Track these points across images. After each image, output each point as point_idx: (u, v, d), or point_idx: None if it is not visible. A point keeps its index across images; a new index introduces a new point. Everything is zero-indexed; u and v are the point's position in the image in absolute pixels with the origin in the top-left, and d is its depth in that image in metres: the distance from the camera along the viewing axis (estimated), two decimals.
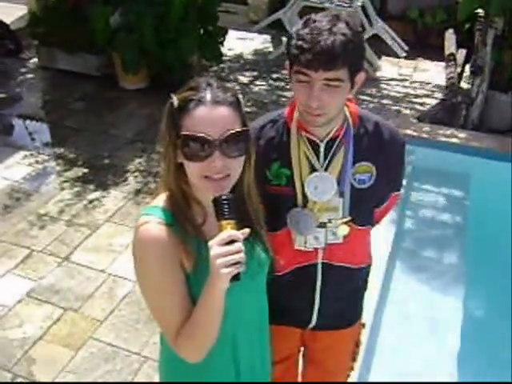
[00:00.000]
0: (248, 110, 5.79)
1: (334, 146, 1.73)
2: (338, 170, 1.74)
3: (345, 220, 1.78)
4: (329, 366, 2.28)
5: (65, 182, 4.58)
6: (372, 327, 3.23)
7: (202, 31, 6.08)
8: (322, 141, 1.72)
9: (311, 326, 2.01)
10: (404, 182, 4.41)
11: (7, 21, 6.94)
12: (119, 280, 3.51)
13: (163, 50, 5.71)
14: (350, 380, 2.54)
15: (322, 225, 1.78)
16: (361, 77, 1.63)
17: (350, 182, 1.76)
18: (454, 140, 5.13)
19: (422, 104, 6.18)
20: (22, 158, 4.89)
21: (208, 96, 1.37)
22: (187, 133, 1.36)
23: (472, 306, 3.73)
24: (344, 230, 1.79)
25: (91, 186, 4.50)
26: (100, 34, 5.68)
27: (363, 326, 2.28)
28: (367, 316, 3.15)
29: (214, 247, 1.28)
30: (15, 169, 4.75)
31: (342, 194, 1.76)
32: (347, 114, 1.75)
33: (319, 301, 1.92)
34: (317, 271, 1.86)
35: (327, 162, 1.73)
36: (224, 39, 6.31)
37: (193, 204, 1.46)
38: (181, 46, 5.73)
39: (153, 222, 1.38)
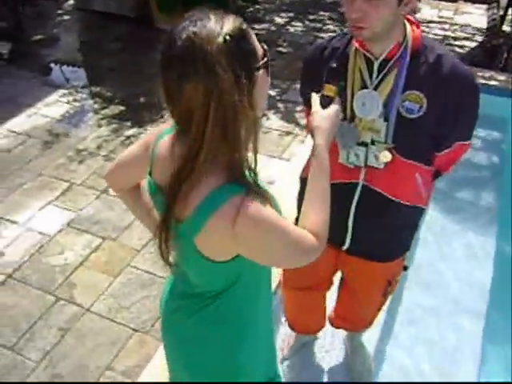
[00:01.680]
0: (284, 50, 5.74)
1: (388, 67, 1.70)
2: (387, 92, 1.71)
3: (387, 146, 1.76)
4: (358, 294, 2.32)
5: (102, 119, 4.66)
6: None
7: None
8: (376, 59, 1.70)
9: (345, 247, 2.03)
10: None
11: None
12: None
13: None
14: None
15: (365, 144, 1.78)
16: None
17: (397, 108, 1.72)
18: (493, 82, 5.02)
19: (461, 47, 6.03)
20: (60, 97, 4.97)
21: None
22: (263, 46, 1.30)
23: (505, 246, 3.71)
24: (386, 156, 1.76)
25: (128, 123, 4.56)
26: None
27: (405, 268, 2.25)
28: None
29: (320, 110, 1.55)
30: (54, 107, 4.83)
31: (386, 119, 1.73)
32: (408, 36, 1.69)
33: (352, 222, 1.93)
34: (355, 191, 1.87)
35: (378, 81, 1.71)
36: None
37: None
38: None
39: (243, 196, 1.24)
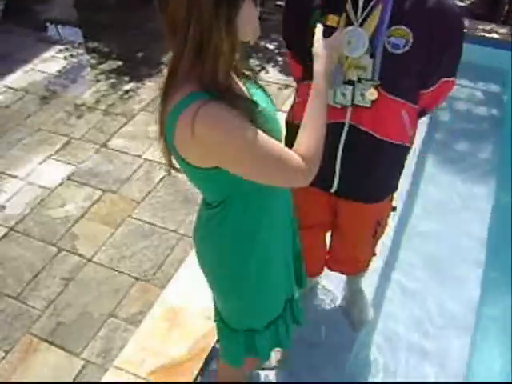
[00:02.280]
0: (282, 4, 5.65)
1: (372, 3, 1.68)
2: (373, 29, 1.69)
3: (374, 83, 1.75)
4: (349, 235, 2.34)
5: (100, 74, 4.63)
6: (402, 212, 3.30)
7: None
8: None
9: (333, 189, 2.03)
10: None
11: None
12: (155, 164, 3.61)
13: None
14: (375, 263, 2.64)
15: (351, 82, 1.77)
16: None
17: (383, 43, 1.70)
18: (494, 35, 4.97)
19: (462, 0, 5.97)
20: (56, 52, 4.94)
21: None
22: None
23: (502, 197, 3.72)
24: (372, 94, 1.75)
25: (126, 78, 4.54)
26: None
27: (393, 209, 2.29)
28: (398, 203, 3.24)
29: (322, 38, 1.55)
30: (51, 62, 4.80)
31: (373, 55, 1.72)
32: None
33: (340, 163, 1.93)
34: (342, 132, 1.86)
35: (363, 17, 1.70)
36: None
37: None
38: None
39: (206, 101, 1.31)
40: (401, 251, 3.19)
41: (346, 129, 1.86)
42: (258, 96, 1.51)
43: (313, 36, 1.61)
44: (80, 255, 3.07)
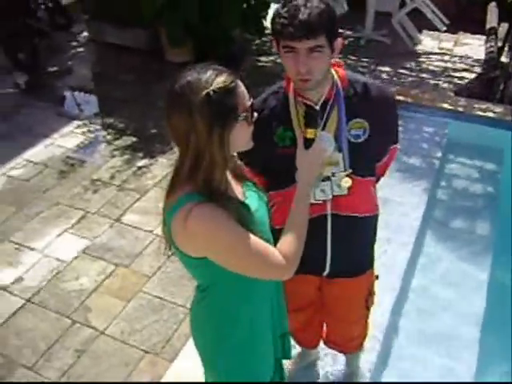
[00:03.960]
0: None
1: (328, 107, 1.95)
2: (334, 128, 1.96)
3: (347, 172, 2.00)
4: (344, 314, 2.52)
5: (115, 150, 4.90)
6: (401, 290, 3.44)
7: (244, 6, 6.26)
8: (316, 104, 1.95)
9: (325, 273, 2.24)
10: (439, 154, 4.56)
11: None
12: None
13: (207, 24, 5.93)
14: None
15: (327, 178, 2.00)
16: (338, 43, 1.84)
17: (346, 137, 1.98)
18: (490, 114, 5.17)
19: (460, 78, 6.23)
20: (75, 128, 5.22)
21: (235, 76, 1.59)
22: (250, 102, 1.60)
23: (498, 275, 3.86)
24: (347, 181, 2.01)
25: (140, 154, 4.81)
26: (147, 10, 5.91)
27: (377, 277, 2.47)
28: (397, 279, 3.40)
29: (305, 152, 1.77)
30: (69, 137, 5.08)
31: (340, 149, 1.98)
32: (336, 78, 1.98)
33: (331, 249, 2.15)
34: (327, 222, 2.09)
35: (323, 122, 1.96)
36: (266, 13, 6.46)
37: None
38: (224, 21, 5.94)
39: (198, 203, 1.54)
40: (399, 326, 3.33)
41: (329, 219, 2.09)
42: (251, 199, 1.75)
43: (284, 154, 1.90)
44: (93, 328, 3.24)
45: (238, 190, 1.74)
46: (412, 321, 3.38)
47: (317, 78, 1.84)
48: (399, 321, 3.36)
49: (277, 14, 1.80)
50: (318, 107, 1.95)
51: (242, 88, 1.58)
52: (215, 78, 1.52)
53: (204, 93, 1.48)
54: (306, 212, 1.73)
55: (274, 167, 2.03)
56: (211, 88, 1.49)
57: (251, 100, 1.61)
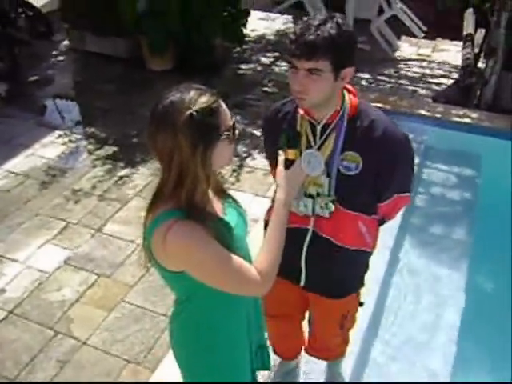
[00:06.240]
0: (269, 90, 6.04)
1: (328, 130, 1.99)
2: (329, 152, 2.00)
3: (330, 198, 2.04)
4: (318, 327, 2.59)
5: (96, 159, 4.92)
6: (379, 295, 3.50)
7: (225, 14, 6.32)
8: (318, 123, 2.00)
9: (301, 284, 2.28)
10: (417, 160, 4.63)
11: (38, 4, 7.20)
12: None
13: (188, 33, 5.98)
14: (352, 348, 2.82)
15: (311, 196, 2.06)
16: (348, 72, 1.87)
17: (337, 166, 2.00)
18: (467, 120, 5.27)
19: (438, 84, 6.35)
20: (56, 138, 5.23)
21: (218, 95, 1.64)
22: (232, 121, 1.66)
23: (475, 281, 3.92)
24: (329, 207, 2.05)
25: (121, 164, 4.83)
26: (128, 18, 5.98)
27: (361, 304, 2.52)
28: (374, 285, 3.45)
29: (285, 172, 1.82)
30: (50, 148, 5.09)
31: (329, 175, 2.02)
32: (346, 104, 1.99)
33: (305, 263, 2.20)
34: (306, 236, 2.14)
35: (320, 142, 2.00)
36: (246, 21, 6.54)
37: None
38: (204, 29, 6.00)
39: (178, 220, 1.59)
40: (379, 331, 3.39)
41: (309, 234, 2.13)
42: (230, 216, 1.80)
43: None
44: (75, 338, 3.25)
45: (218, 206, 1.79)
46: (388, 326, 3.42)
47: (312, 100, 1.87)
48: (378, 326, 3.41)
49: (293, 29, 1.85)
50: (319, 126, 2.00)
51: (224, 107, 1.64)
52: (198, 98, 1.56)
53: (187, 113, 1.53)
54: (281, 228, 1.77)
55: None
56: (194, 108, 1.54)
57: (233, 119, 1.67)
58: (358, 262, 2.28)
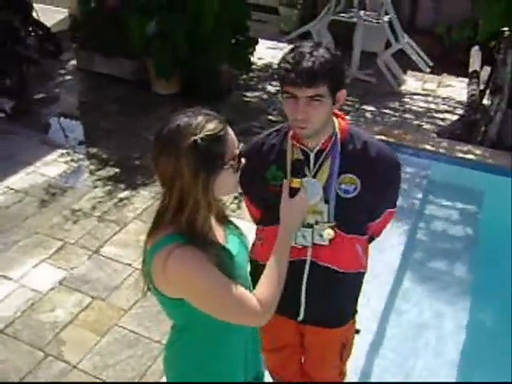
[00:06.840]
0: (274, 118, 6.04)
1: (322, 157, 1.98)
2: (325, 179, 1.99)
3: (330, 224, 2.01)
4: (317, 360, 2.50)
5: (97, 180, 4.89)
6: (377, 332, 3.43)
7: (233, 41, 6.35)
8: (311, 151, 1.98)
9: (300, 318, 2.23)
10: (420, 195, 4.60)
11: (48, 24, 7.28)
12: None
13: (195, 58, 6.00)
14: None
15: (310, 225, 2.02)
16: (342, 94, 1.89)
17: (335, 190, 2.00)
18: (471, 156, 5.24)
19: (443, 119, 6.34)
20: (58, 156, 5.21)
21: (226, 123, 1.62)
22: (239, 150, 1.63)
23: (476, 318, 3.87)
24: (329, 233, 2.01)
25: (122, 185, 4.80)
26: (136, 41, 5.99)
27: (357, 331, 2.48)
28: (373, 322, 3.40)
29: (289, 200, 1.76)
30: (52, 166, 5.06)
31: (327, 201, 2.00)
32: (337, 129, 2.00)
33: (305, 296, 2.14)
34: (304, 268, 2.09)
35: (315, 169, 1.98)
36: (254, 49, 6.56)
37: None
38: (212, 55, 6.02)
39: (179, 245, 1.56)
40: (374, 368, 3.32)
41: (307, 265, 2.09)
42: (232, 243, 1.76)
43: (274, 192, 1.89)
44: (65, 361, 3.18)
45: (219, 233, 1.75)
46: (388, 363, 3.36)
47: (314, 126, 1.87)
48: (376, 362, 3.35)
49: (283, 59, 1.84)
50: (312, 154, 1.97)
51: (231, 135, 1.61)
52: (205, 125, 1.54)
53: (192, 139, 1.51)
54: (285, 259, 1.73)
55: (266, 202, 2.07)
56: (199, 135, 1.52)
57: (240, 147, 1.64)
58: (356, 285, 2.27)
